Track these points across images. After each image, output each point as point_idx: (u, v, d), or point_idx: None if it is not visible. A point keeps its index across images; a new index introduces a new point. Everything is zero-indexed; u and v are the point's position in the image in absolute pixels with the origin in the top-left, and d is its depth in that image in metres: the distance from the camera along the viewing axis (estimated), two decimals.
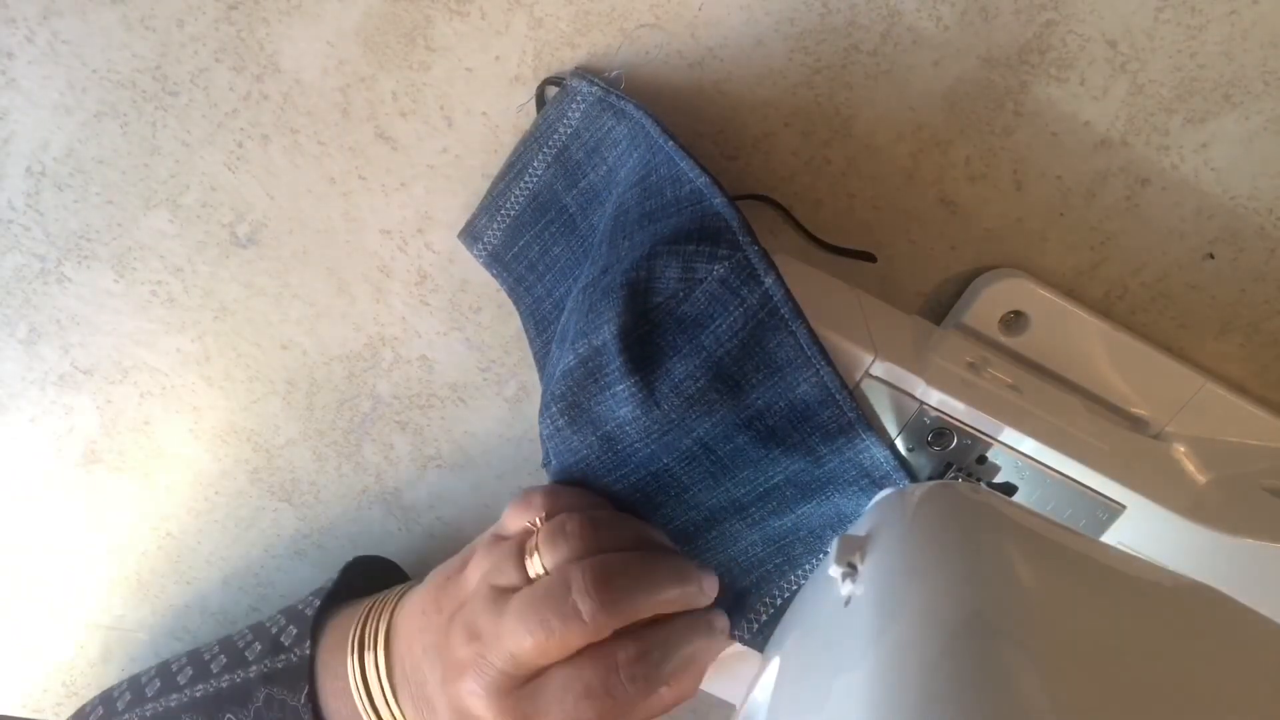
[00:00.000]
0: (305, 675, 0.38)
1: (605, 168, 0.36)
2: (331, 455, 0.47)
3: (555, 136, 0.37)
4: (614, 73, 0.37)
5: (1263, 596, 0.26)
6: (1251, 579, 0.33)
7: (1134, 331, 0.39)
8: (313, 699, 0.37)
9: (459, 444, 0.46)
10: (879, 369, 0.33)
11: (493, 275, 0.41)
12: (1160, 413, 0.39)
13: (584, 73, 0.37)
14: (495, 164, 0.40)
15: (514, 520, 0.35)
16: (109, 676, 0.53)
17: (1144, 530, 0.34)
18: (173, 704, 0.40)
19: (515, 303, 0.41)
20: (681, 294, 0.31)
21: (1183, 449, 0.38)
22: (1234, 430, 0.39)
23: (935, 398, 0.33)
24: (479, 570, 0.34)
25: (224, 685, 0.40)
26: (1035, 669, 0.17)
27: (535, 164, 0.38)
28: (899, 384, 0.33)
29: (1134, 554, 0.34)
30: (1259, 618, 0.22)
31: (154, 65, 0.39)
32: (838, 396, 0.32)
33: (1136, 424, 0.39)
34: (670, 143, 0.33)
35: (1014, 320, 0.39)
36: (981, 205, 0.38)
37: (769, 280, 0.31)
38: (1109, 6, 0.34)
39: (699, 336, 0.31)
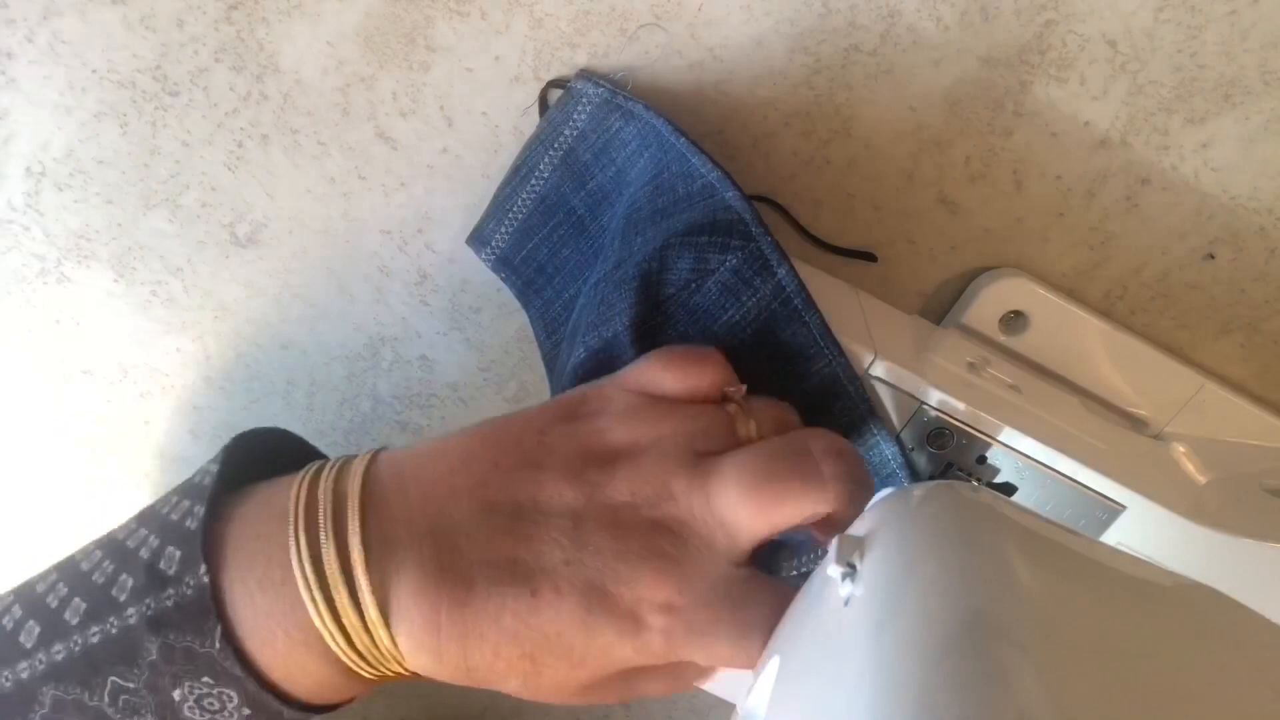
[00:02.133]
0: (210, 609, 0.26)
1: (614, 169, 0.36)
2: (331, 455, 0.47)
3: (561, 139, 0.37)
4: (619, 74, 0.37)
5: (1263, 596, 0.26)
6: (1251, 579, 0.33)
7: (1134, 331, 0.39)
8: (230, 639, 0.26)
9: None
10: (879, 369, 0.33)
11: (501, 279, 0.41)
12: (1160, 413, 0.39)
13: (589, 74, 0.37)
14: (495, 164, 0.40)
15: (692, 378, 0.28)
16: None
17: (1144, 530, 0.34)
18: (24, 676, 0.27)
19: (525, 306, 0.41)
20: (694, 285, 0.31)
21: (1183, 449, 0.38)
22: (1234, 430, 0.39)
23: (935, 398, 0.33)
24: (645, 429, 0.27)
25: (94, 641, 0.27)
26: (1035, 669, 0.17)
27: (541, 167, 0.38)
28: (899, 384, 0.33)
29: (1134, 554, 0.34)
30: (1259, 618, 0.22)
31: (154, 65, 0.39)
32: (850, 388, 0.32)
33: (1136, 424, 0.39)
34: (682, 140, 0.33)
35: (1014, 320, 0.39)
36: (981, 205, 0.38)
37: (782, 271, 0.31)
38: (1109, 6, 0.34)
39: (711, 326, 0.31)
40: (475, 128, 0.39)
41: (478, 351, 0.44)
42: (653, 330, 0.31)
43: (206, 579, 0.26)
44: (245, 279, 0.43)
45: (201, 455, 0.47)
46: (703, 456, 0.27)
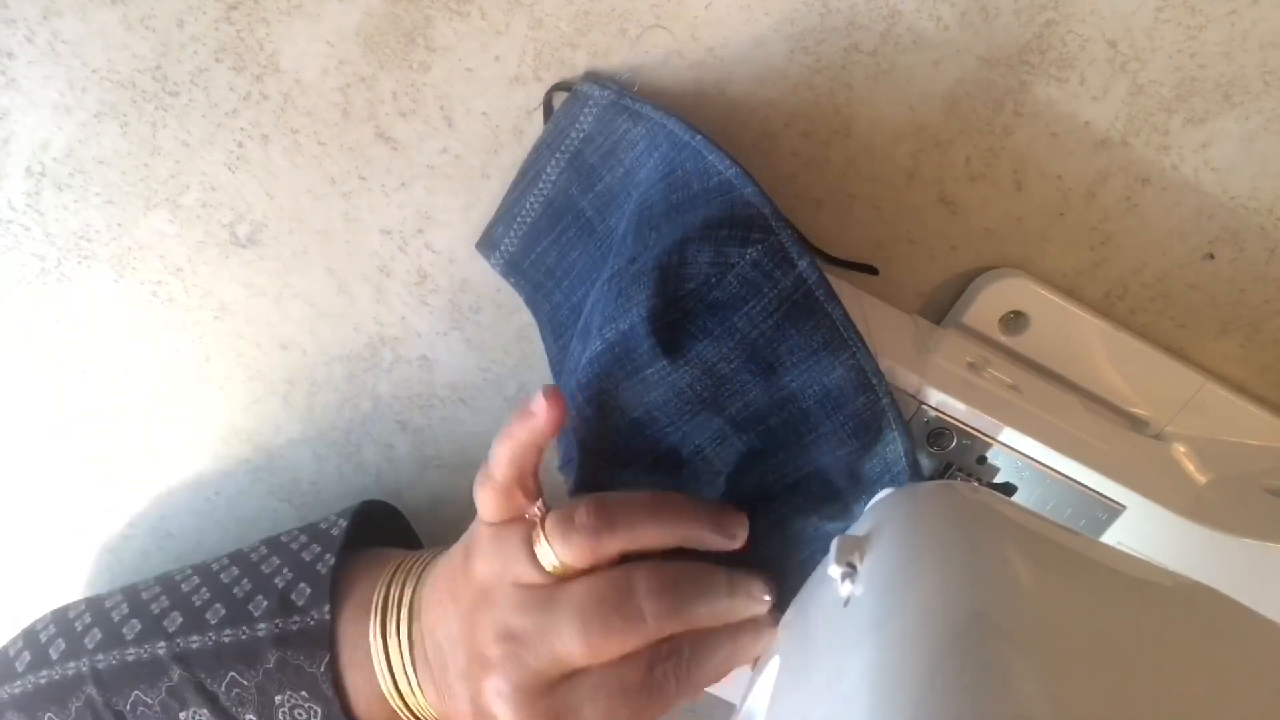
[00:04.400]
0: (325, 642, 0.35)
1: (622, 170, 0.36)
2: (331, 455, 0.47)
3: (568, 142, 0.37)
4: (626, 75, 0.37)
5: (1263, 596, 0.26)
6: (1251, 579, 0.33)
7: (1134, 331, 0.39)
8: (333, 668, 0.35)
9: (459, 444, 0.46)
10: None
11: (511, 284, 0.41)
12: (1160, 413, 0.39)
13: (594, 77, 0.37)
14: (495, 164, 0.40)
15: (499, 508, 0.33)
16: None
17: (1144, 530, 0.34)
18: (160, 652, 0.36)
19: (533, 310, 0.41)
20: (714, 279, 0.31)
21: (1183, 449, 0.38)
22: (1234, 430, 0.39)
23: (935, 398, 0.33)
24: (489, 565, 0.33)
25: (226, 640, 0.36)
26: (1035, 669, 0.17)
27: (549, 170, 0.38)
28: (899, 384, 0.33)
29: (1134, 554, 0.34)
30: (1259, 618, 0.22)
31: (154, 65, 0.39)
32: (874, 381, 0.31)
33: (1136, 424, 0.39)
34: (698, 137, 0.33)
35: (1014, 320, 0.39)
36: (981, 205, 0.38)
37: (803, 263, 0.31)
38: (1109, 6, 0.34)
39: (731, 318, 0.31)
40: (475, 128, 0.39)
41: (478, 351, 0.44)
42: (671, 325, 0.31)
43: (329, 617, 0.35)
44: (245, 279, 0.43)
45: (201, 455, 0.47)
46: (533, 590, 0.32)
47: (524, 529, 0.33)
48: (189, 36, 0.38)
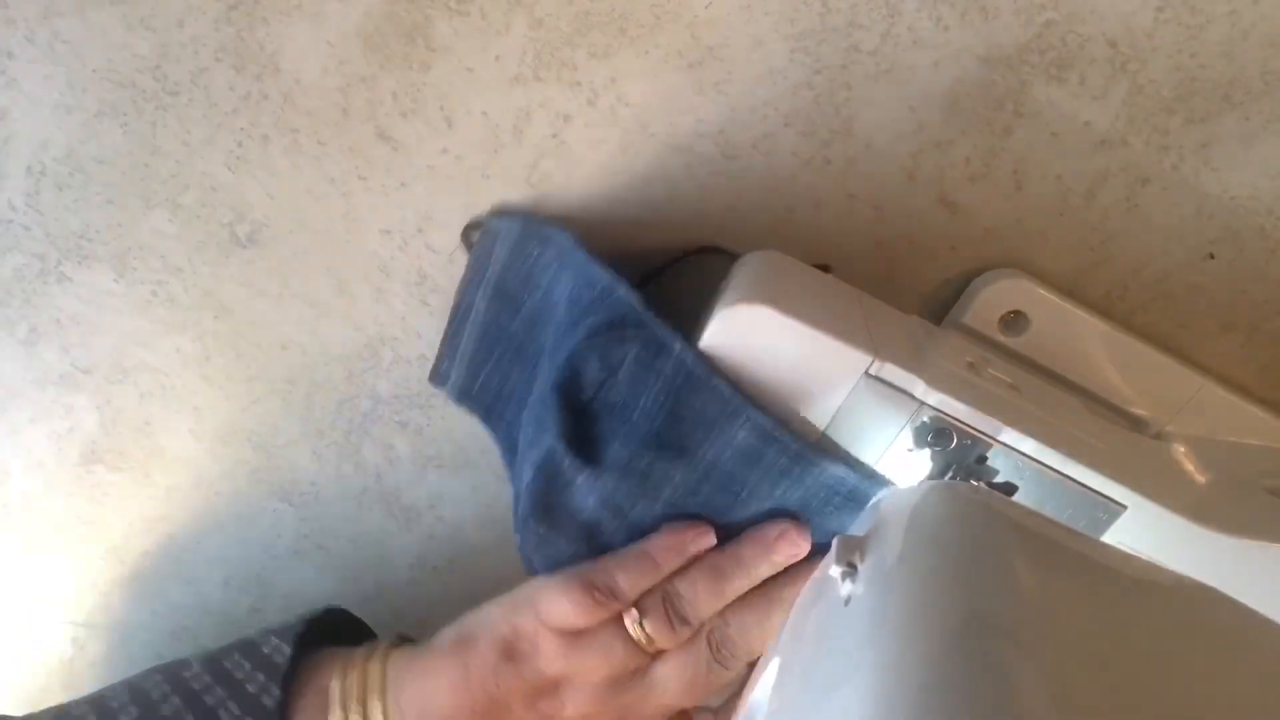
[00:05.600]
0: None
1: (540, 292, 0.39)
2: (331, 455, 0.47)
3: (489, 274, 0.40)
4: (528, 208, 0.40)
5: (1263, 596, 0.26)
6: (1251, 579, 0.33)
7: (1134, 331, 0.39)
8: None
9: (459, 444, 0.46)
10: (879, 369, 0.33)
11: (468, 411, 0.43)
12: (1160, 413, 0.39)
13: (501, 211, 0.39)
14: (495, 164, 0.40)
15: (593, 612, 0.35)
16: (109, 676, 0.53)
17: (1144, 530, 0.34)
18: None
19: (492, 433, 0.43)
20: (606, 384, 0.34)
21: (1183, 449, 0.38)
22: (1234, 430, 0.39)
23: (935, 398, 0.33)
24: (569, 663, 0.35)
25: None
26: (1035, 669, 0.17)
27: (478, 302, 0.40)
28: (899, 384, 0.33)
29: (1134, 554, 0.34)
30: (1259, 618, 0.22)
31: (154, 65, 0.39)
32: (776, 434, 0.33)
33: (1136, 424, 0.39)
34: (580, 252, 0.36)
35: (1014, 320, 0.39)
36: (981, 205, 0.38)
37: (678, 346, 0.33)
38: (1109, 6, 0.34)
39: (631, 417, 0.34)
40: (475, 128, 0.39)
41: None
42: (581, 437, 0.34)
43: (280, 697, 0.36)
44: (245, 279, 0.43)
45: (201, 455, 0.47)
46: (630, 674, 0.35)
47: (616, 629, 0.35)
48: (189, 36, 0.38)
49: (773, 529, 0.35)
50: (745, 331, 0.33)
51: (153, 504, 0.49)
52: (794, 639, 0.30)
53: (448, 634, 0.38)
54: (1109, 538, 0.34)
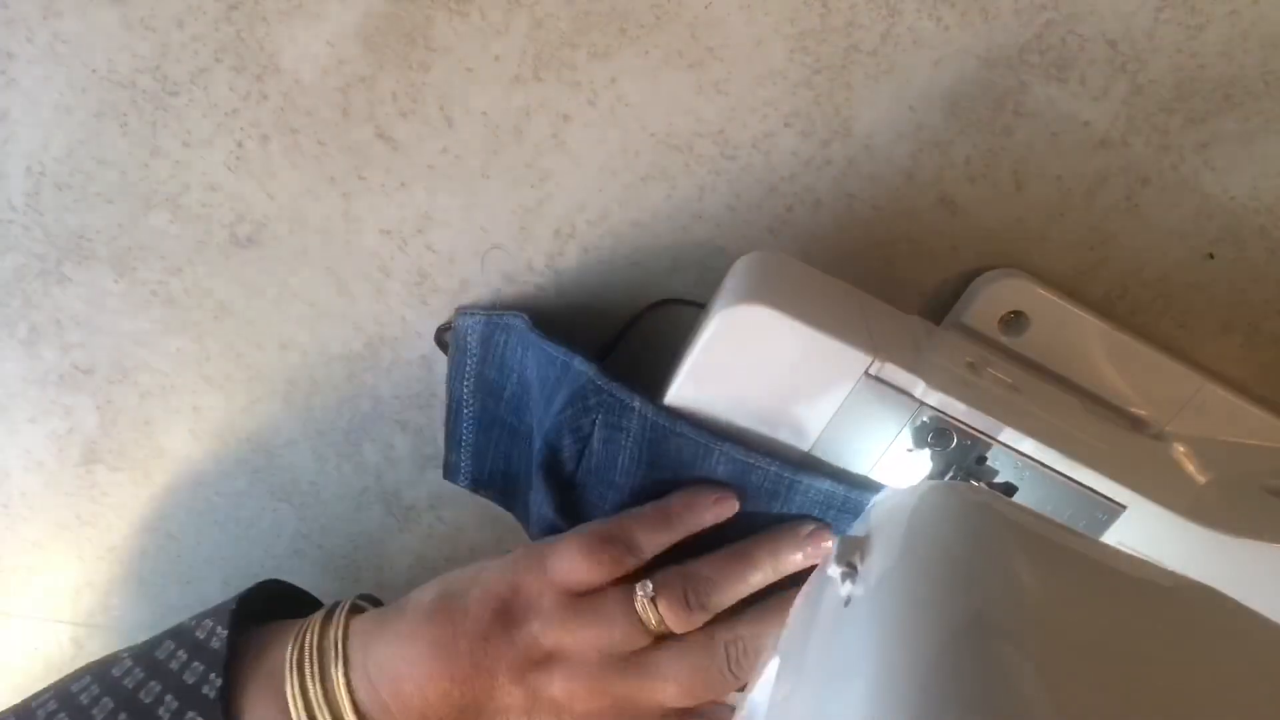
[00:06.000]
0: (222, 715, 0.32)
1: (515, 375, 0.41)
2: (331, 455, 0.47)
3: (468, 367, 0.42)
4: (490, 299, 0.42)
5: (1263, 596, 0.26)
6: (1251, 579, 0.33)
7: (1134, 331, 0.39)
8: None
9: None
10: (879, 369, 0.33)
11: (487, 499, 0.45)
12: (1160, 413, 0.39)
13: (465, 309, 0.42)
14: (495, 164, 0.40)
15: (606, 567, 0.33)
16: None
17: (1144, 530, 0.34)
18: None
19: (514, 514, 0.44)
20: (584, 452, 0.35)
21: (1183, 449, 0.38)
22: (1234, 430, 0.39)
23: (935, 398, 0.33)
24: (571, 635, 0.32)
25: None
26: (1035, 669, 0.17)
27: (464, 395, 0.42)
28: (899, 384, 0.33)
29: (1134, 554, 0.34)
30: (1259, 618, 0.22)
31: (154, 65, 0.39)
32: (752, 461, 0.34)
33: (1136, 424, 0.39)
34: (533, 334, 0.38)
35: (1014, 320, 0.39)
36: (981, 205, 0.38)
37: (637, 403, 0.34)
38: (1109, 6, 0.34)
39: (614, 478, 0.35)
40: (475, 128, 0.39)
41: None
42: (572, 505, 0.36)
43: (221, 684, 0.32)
44: (245, 279, 0.43)
45: (201, 455, 0.47)
46: (628, 658, 0.33)
47: (623, 596, 0.33)
48: (189, 36, 0.38)
49: (806, 525, 0.34)
50: (745, 332, 0.33)
51: (153, 504, 0.49)
52: (794, 639, 0.30)
53: (426, 593, 0.35)
54: (1109, 538, 0.34)
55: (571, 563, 0.33)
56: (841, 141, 0.38)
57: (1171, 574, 0.24)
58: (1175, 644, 0.20)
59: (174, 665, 0.34)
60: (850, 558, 0.26)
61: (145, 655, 0.35)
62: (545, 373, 0.38)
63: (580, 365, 0.36)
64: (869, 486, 0.34)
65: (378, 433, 0.46)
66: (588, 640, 0.33)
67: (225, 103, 0.40)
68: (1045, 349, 0.39)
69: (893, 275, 0.40)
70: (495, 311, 0.41)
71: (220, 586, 0.50)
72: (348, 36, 0.38)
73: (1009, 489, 0.34)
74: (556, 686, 0.33)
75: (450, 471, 0.45)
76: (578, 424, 0.35)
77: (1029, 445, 0.33)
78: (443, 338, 0.43)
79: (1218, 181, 0.36)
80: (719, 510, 0.34)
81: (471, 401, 0.42)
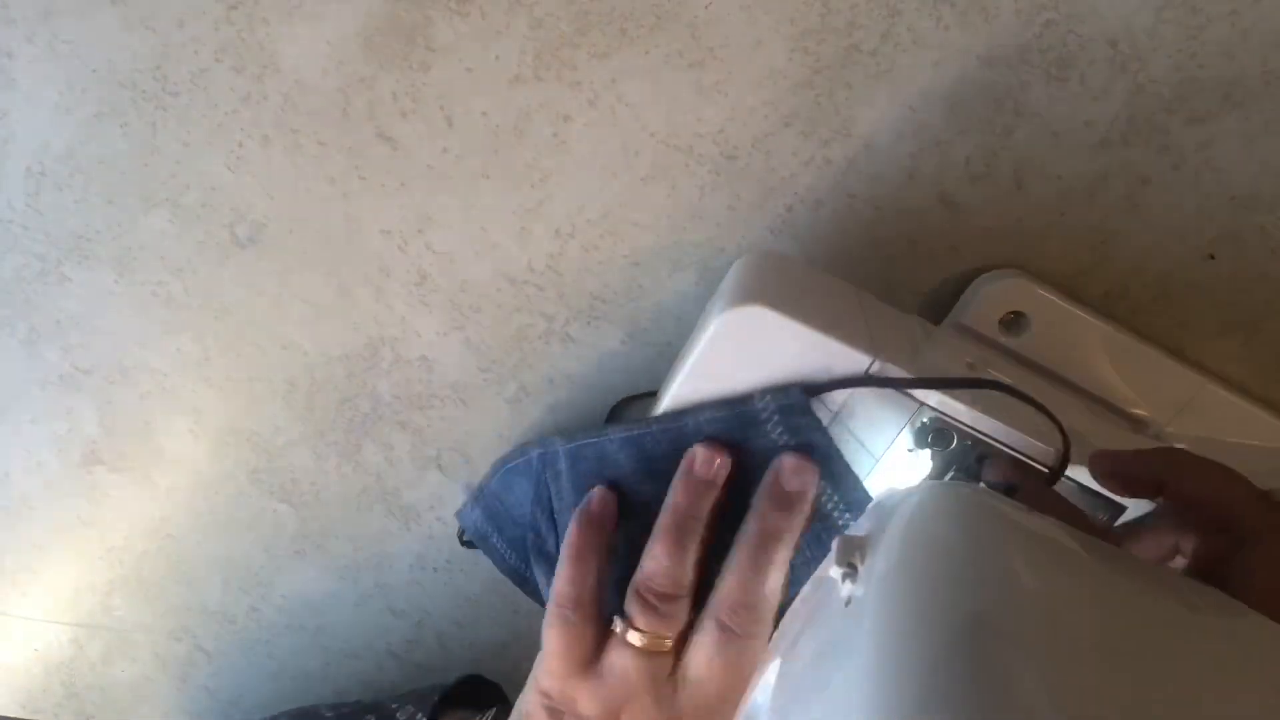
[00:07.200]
0: None
1: (526, 506, 0.43)
2: (331, 455, 0.47)
3: (497, 540, 0.45)
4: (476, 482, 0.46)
5: None
6: None
7: (1134, 331, 0.39)
8: None
9: (459, 444, 0.46)
10: (879, 369, 0.33)
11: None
12: (1160, 413, 0.39)
13: (459, 511, 0.46)
14: (495, 164, 0.40)
15: (563, 641, 0.34)
16: (109, 676, 0.53)
17: None
18: None
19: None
20: (552, 516, 0.39)
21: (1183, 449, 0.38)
22: (1234, 430, 0.39)
23: (935, 398, 0.33)
24: (620, 696, 0.34)
25: None
26: (1035, 669, 0.17)
27: (508, 555, 0.45)
28: None
29: (1134, 554, 0.34)
30: (1259, 618, 0.22)
31: (154, 65, 0.39)
32: (638, 432, 0.35)
33: (1136, 424, 0.39)
34: (507, 467, 0.42)
35: (1014, 320, 0.39)
36: (981, 205, 0.38)
37: (558, 444, 0.37)
38: (1109, 6, 0.34)
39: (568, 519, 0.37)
40: (475, 128, 0.39)
41: (478, 351, 0.44)
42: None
43: None
44: (245, 279, 0.43)
45: (201, 455, 0.47)
46: (666, 688, 0.33)
47: (616, 644, 0.34)
48: (189, 37, 0.38)
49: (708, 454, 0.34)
50: (745, 332, 0.33)
51: (153, 504, 0.49)
52: (794, 640, 0.30)
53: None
54: None
55: (550, 651, 0.34)
56: (842, 141, 0.38)
57: (1172, 574, 0.24)
58: (1176, 645, 0.20)
59: None
60: (850, 558, 0.26)
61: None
62: (538, 492, 0.40)
63: (534, 454, 0.39)
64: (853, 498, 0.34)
65: (378, 433, 0.46)
66: (624, 694, 0.33)
67: (225, 103, 0.40)
68: (1045, 349, 0.39)
69: (893, 275, 0.40)
70: (477, 487, 0.45)
71: (220, 586, 0.50)
72: (348, 37, 0.38)
73: (1009, 489, 0.34)
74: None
75: (518, 582, 0.46)
76: (540, 495, 0.39)
77: (1029, 446, 0.33)
78: (466, 541, 0.47)
79: (1218, 181, 0.36)
80: (596, 529, 0.35)
81: (503, 549, 0.45)
